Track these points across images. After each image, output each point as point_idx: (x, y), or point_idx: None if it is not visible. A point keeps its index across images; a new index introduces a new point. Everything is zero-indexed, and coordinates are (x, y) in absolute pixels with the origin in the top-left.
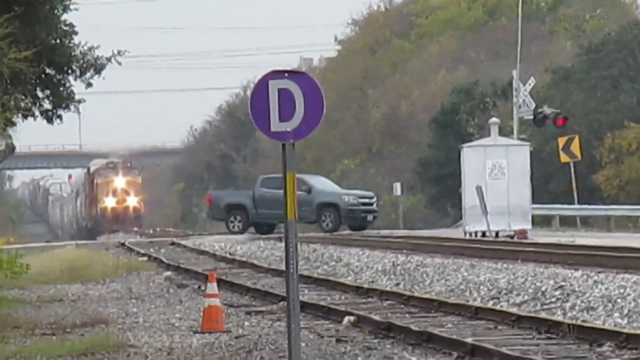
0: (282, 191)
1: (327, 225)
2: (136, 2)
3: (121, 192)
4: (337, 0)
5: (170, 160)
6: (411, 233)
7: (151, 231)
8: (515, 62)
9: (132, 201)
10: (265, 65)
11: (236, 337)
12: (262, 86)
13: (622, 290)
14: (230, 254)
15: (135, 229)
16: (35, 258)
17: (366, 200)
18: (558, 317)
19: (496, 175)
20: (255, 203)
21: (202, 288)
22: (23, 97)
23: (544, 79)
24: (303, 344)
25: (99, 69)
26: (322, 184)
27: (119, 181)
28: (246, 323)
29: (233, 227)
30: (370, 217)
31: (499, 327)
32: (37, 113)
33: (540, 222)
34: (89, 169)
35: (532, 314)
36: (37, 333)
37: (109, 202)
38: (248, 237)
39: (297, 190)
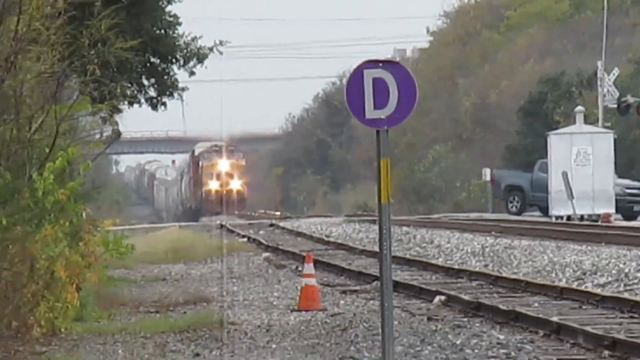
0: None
1: None
2: None
3: (225, 175)
4: None
5: (270, 146)
6: (500, 216)
7: (253, 213)
8: (600, 54)
9: (236, 184)
10: (361, 56)
11: (332, 315)
12: (357, 75)
13: None
14: (326, 235)
15: (238, 212)
16: (140, 239)
17: (635, 191)
18: None
19: (581, 162)
20: (532, 186)
21: (300, 268)
22: (129, 85)
23: (627, 69)
24: (396, 322)
25: (201, 59)
26: None
27: (223, 164)
28: (341, 302)
29: (512, 207)
30: (637, 207)
31: (584, 307)
32: (142, 100)
33: None
34: (193, 152)
35: (616, 295)
36: (141, 310)
37: (213, 185)
38: (343, 219)
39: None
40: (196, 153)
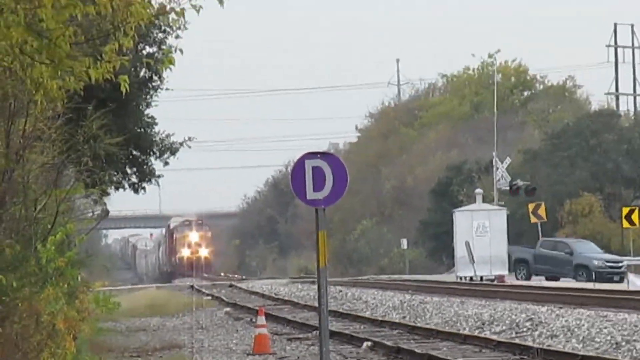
0: (555, 252)
1: (581, 280)
2: (203, 100)
3: (195, 245)
4: (358, 98)
5: (229, 222)
6: (415, 277)
7: (217, 276)
8: (495, 146)
9: (204, 252)
10: (302, 148)
11: (280, 358)
12: (300, 164)
13: (578, 322)
14: (275, 294)
15: (205, 274)
16: (124, 297)
17: (612, 264)
18: (529, 342)
19: (481, 233)
20: (535, 259)
21: (254, 320)
22: (115, 173)
23: (517, 158)
24: None
25: (174, 151)
26: (583, 248)
27: (193, 236)
28: (288, 347)
29: (519, 276)
30: (616, 278)
31: (483, 350)
32: (126, 185)
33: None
34: (169, 225)
35: (509, 340)
36: (126, 355)
37: (185, 252)
38: (289, 280)
39: (561, 251)
40: (171, 226)
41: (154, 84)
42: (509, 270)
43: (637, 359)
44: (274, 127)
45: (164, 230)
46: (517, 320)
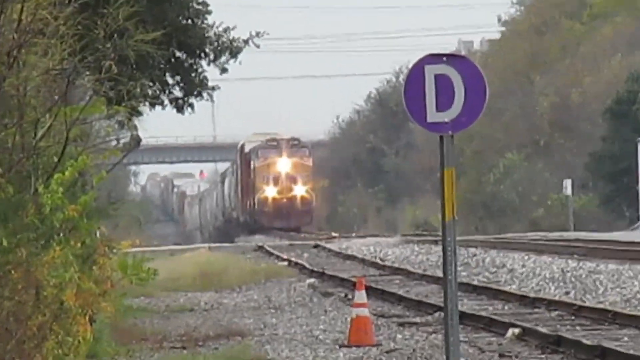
0: None
1: None
2: None
3: (286, 179)
4: None
5: (315, 154)
6: (582, 236)
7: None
8: None
9: (300, 190)
10: (420, 49)
11: (387, 352)
12: (417, 72)
13: None
14: (380, 259)
15: (302, 226)
16: (163, 262)
17: None
18: None
19: None
20: None
21: (349, 296)
22: (150, 84)
23: None
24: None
25: (235, 53)
26: None
27: (284, 163)
28: (398, 336)
29: None
30: None
31: None
32: (166, 101)
33: None
34: (242, 147)
35: None
36: (165, 346)
37: (270, 192)
38: (400, 239)
39: None
40: (247, 149)
41: None
42: None
43: None
44: (380, 20)
45: (235, 158)
46: None
